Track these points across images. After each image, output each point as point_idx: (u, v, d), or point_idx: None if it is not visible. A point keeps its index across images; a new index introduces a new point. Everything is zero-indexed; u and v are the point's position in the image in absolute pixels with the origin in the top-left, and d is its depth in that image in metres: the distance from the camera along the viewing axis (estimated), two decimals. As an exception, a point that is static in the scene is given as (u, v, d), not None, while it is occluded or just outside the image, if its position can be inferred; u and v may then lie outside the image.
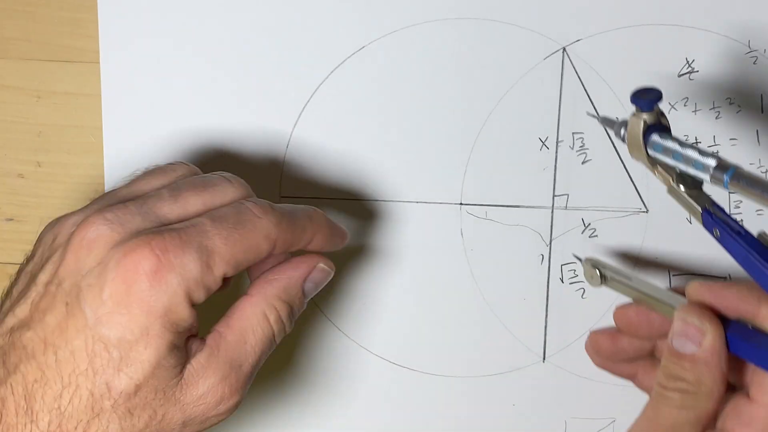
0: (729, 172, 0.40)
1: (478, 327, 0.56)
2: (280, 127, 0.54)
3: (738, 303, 0.45)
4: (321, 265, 0.47)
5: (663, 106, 0.47)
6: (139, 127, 0.54)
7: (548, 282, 0.56)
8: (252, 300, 0.45)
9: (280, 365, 0.56)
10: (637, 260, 0.56)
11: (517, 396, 0.57)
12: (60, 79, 0.55)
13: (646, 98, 0.42)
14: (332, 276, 0.47)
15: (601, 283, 0.49)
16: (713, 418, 0.45)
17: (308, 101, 0.54)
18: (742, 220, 0.55)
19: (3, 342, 0.42)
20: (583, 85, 0.54)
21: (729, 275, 0.55)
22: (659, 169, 0.44)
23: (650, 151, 0.43)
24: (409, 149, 0.54)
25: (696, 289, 0.45)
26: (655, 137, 0.43)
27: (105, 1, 0.53)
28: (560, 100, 0.54)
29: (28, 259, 0.45)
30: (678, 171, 0.43)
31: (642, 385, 0.51)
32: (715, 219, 0.43)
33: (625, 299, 0.49)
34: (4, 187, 0.56)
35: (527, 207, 0.55)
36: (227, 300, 0.46)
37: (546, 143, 0.54)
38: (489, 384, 0.57)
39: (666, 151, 0.43)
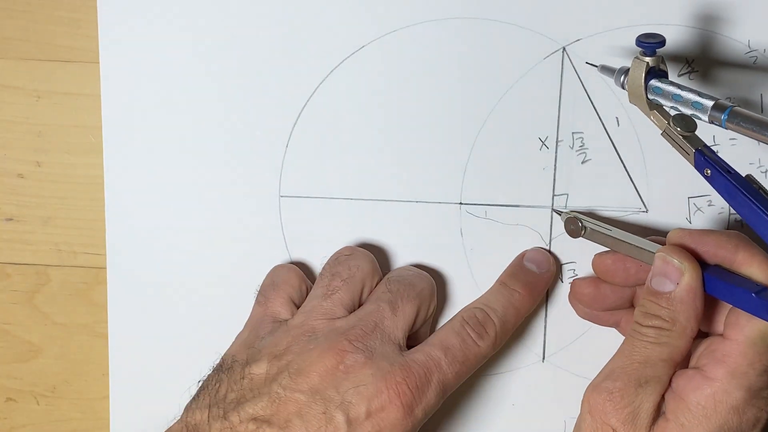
0: (726, 111, 0.43)
1: (478, 327, 0.56)
2: (279, 127, 0.54)
3: (716, 249, 0.47)
4: None
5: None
6: (139, 127, 0.54)
7: (548, 282, 0.56)
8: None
9: (280, 365, 0.56)
10: (637, 260, 0.55)
11: (516, 396, 0.57)
12: (60, 79, 0.55)
13: (651, 42, 0.46)
14: None
15: (582, 234, 0.52)
16: (685, 359, 0.47)
17: (308, 101, 0.54)
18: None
19: (244, 429, 0.46)
20: (583, 85, 0.54)
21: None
22: (656, 113, 0.47)
23: (650, 95, 0.46)
24: (408, 149, 0.54)
25: (677, 235, 0.48)
26: (654, 81, 0.46)
27: (105, 1, 0.53)
28: (560, 100, 0.54)
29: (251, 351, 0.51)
30: (674, 115, 0.46)
31: (625, 332, 0.53)
32: (707, 159, 0.45)
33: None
34: (4, 187, 0.56)
35: (527, 207, 0.55)
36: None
37: (546, 143, 0.54)
38: (488, 384, 0.57)
39: (665, 94, 0.46)
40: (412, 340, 0.51)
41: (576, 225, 0.52)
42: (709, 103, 0.44)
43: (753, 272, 0.46)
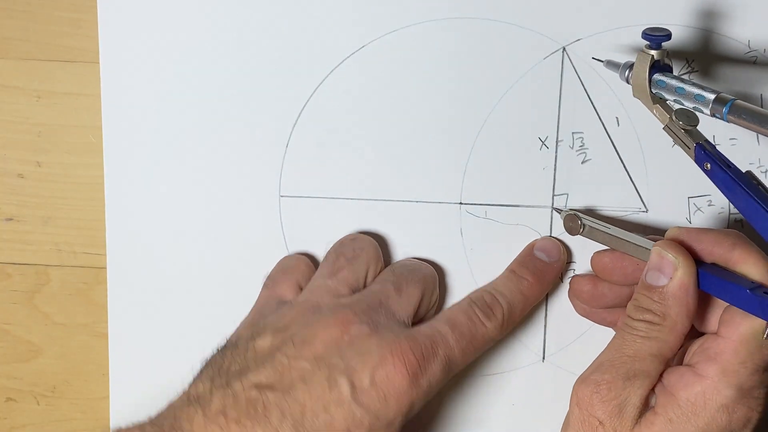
0: (728, 104, 0.43)
1: (478, 327, 0.56)
2: (279, 127, 0.54)
3: (713, 246, 0.47)
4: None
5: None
6: (139, 127, 0.54)
7: (548, 282, 0.56)
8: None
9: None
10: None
11: (516, 396, 0.57)
12: (60, 79, 0.55)
13: (657, 35, 0.46)
14: None
15: (580, 232, 0.52)
16: (675, 355, 0.47)
17: (308, 101, 0.54)
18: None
19: (247, 396, 0.46)
20: (583, 85, 0.54)
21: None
22: (658, 107, 0.47)
23: (653, 89, 0.47)
24: (408, 149, 0.54)
25: (675, 232, 0.48)
26: (658, 75, 0.47)
27: (105, 1, 0.53)
28: (560, 99, 0.54)
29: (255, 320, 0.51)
30: (676, 109, 0.46)
31: None
32: (707, 153, 0.46)
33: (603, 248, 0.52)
34: (4, 187, 0.56)
35: (527, 206, 0.55)
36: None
37: (546, 143, 0.54)
38: (488, 383, 0.57)
39: (668, 87, 0.46)
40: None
41: (575, 222, 0.53)
42: (711, 96, 0.44)
43: (749, 270, 0.46)
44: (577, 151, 0.54)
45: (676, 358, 0.48)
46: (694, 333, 0.48)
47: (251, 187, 0.55)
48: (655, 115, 0.47)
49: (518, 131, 0.54)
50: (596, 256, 0.52)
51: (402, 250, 0.55)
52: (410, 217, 0.55)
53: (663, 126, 0.47)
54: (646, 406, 0.46)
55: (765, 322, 0.44)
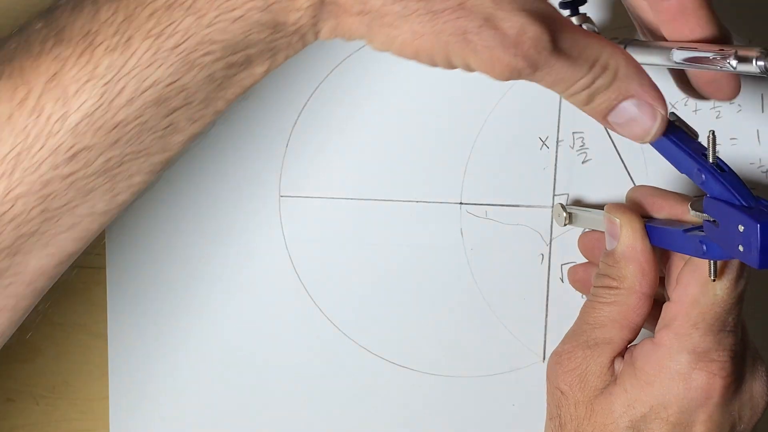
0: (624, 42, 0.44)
1: (478, 327, 0.56)
2: (279, 127, 0.54)
3: (663, 200, 0.47)
4: None
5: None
6: (139, 126, 0.54)
7: (548, 282, 0.56)
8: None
9: (279, 365, 0.56)
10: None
11: (517, 396, 0.57)
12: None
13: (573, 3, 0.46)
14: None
15: (569, 222, 0.53)
16: (641, 320, 0.46)
17: (308, 101, 0.54)
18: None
19: None
20: (583, 85, 0.53)
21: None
22: None
23: None
24: (408, 148, 0.54)
25: (631, 191, 0.48)
26: None
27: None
28: (560, 99, 0.54)
29: None
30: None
31: None
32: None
33: None
34: (3, 186, 0.56)
35: (527, 206, 0.55)
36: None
37: (546, 143, 0.54)
38: (489, 384, 0.57)
39: None
40: None
41: (560, 213, 0.53)
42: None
43: (687, 217, 0.45)
44: (577, 151, 0.54)
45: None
46: None
47: (251, 187, 0.55)
48: None
49: (518, 131, 0.54)
50: (580, 238, 0.53)
51: (402, 251, 0.55)
52: (410, 217, 0.55)
53: None
54: (611, 375, 0.46)
55: (710, 276, 0.43)
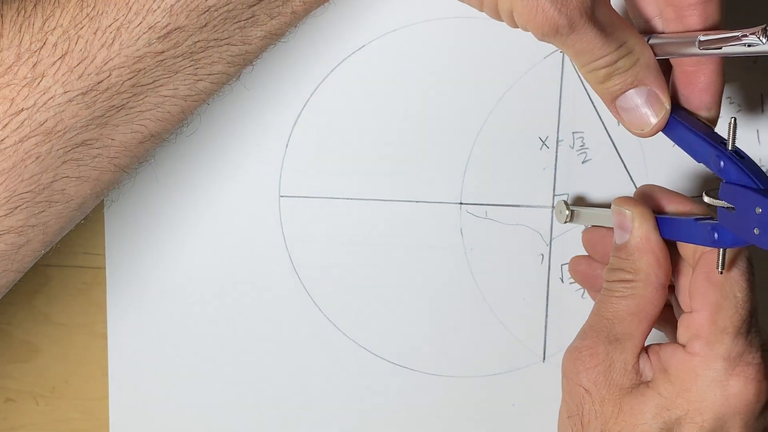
0: (648, 38, 0.43)
1: (478, 327, 0.56)
2: (279, 127, 0.54)
3: (671, 197, 0.47)
4: None
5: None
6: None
7: (548, 282, 0.56)
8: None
9: (279, 365, 0.56)
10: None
11: (517, 396, 0.57)
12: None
13: None
14: None
15: (571, 219, 0.53)
16: (658, 312, 0.46)
17: (308, 101, 0.54)
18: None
19: None
20: (583, 85, 0.54)
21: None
22: None
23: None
24: (408, 149, 0.54)
25: (640, 188, 0.49)
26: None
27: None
28: (560, 99, 0.54)
29: None
30: None
31: None
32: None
33: None
34: (3, 186, 0.56)
35: (527, 206, 0.55)
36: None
37: (546, 143, 0.54)
38: (489, 384, 0.57)
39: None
40: None
41: (562, 210, 0.53)
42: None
43: (696, 209, 0.46)
44: (577, 151, 0.54)
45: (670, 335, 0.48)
46: None
47: (251, 187, 0.55)
48: None
49: (518, 131, 0.54)
50: (584, 234, 0.53)
51: (402, 251, 0.55)
52: (410, 217, 0.55)
53: None
54: (637, 374, 0.45)
55: (718, 268, 0.44)
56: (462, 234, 0.55)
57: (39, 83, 0.38)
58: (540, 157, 0.54)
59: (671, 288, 0.49)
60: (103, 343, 0.57)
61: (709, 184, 0.55)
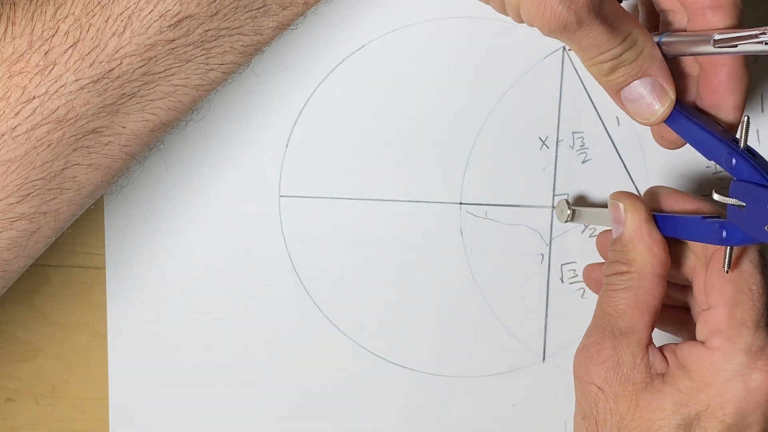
0: (661, 36, 0.44)
1: (478, 327, 0.56)
2: (279, 127, 0.54)
3: (679, 196, 0.47)
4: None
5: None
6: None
7: (548, 282, 0.56)
8: None
9: (279, 365, 0.56)
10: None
11: (516, 396, 0.57)
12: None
13: None
14: None
15: (572, 218, 0.53)
16: (660, 304, 0.46)
17: (308, 101, 0.54)
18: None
19: None
20: (583, 85, 0.54)
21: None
22: None
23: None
24: (408, 148, 0.54)
25: (648, 191, 0.49)
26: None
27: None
28: (560, 99, 0.54)
29: None
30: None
31: None
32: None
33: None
34: (3, 186, 0.56)
35: (527, 206, 0.55)
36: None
37: (546, 143, 0.54)
38: (488, 384, 0.57)
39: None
40: None
41: (563, 209, 0.53)
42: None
43: (704, 208, 0.46)
44: (577, 151, 0.54)
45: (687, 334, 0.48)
46: None
47: (251, 187, 0.55)
48: None
49: (518, 131, 0.54)
50: (598, 237, 0.53)
51: (402, 251, 0.55)
52: (410, 217, 0.55)
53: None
54: (647, 368, 0.45)
55: (724, 267, 0.44)
56: (462, 234, 0.55)
57: (51, 71, 0.38)
58: (540, 157, 0.54)
59: (688, 288, 0.49)
60: (103, 343, 0.57)
61: (709, 185, 0.55)
